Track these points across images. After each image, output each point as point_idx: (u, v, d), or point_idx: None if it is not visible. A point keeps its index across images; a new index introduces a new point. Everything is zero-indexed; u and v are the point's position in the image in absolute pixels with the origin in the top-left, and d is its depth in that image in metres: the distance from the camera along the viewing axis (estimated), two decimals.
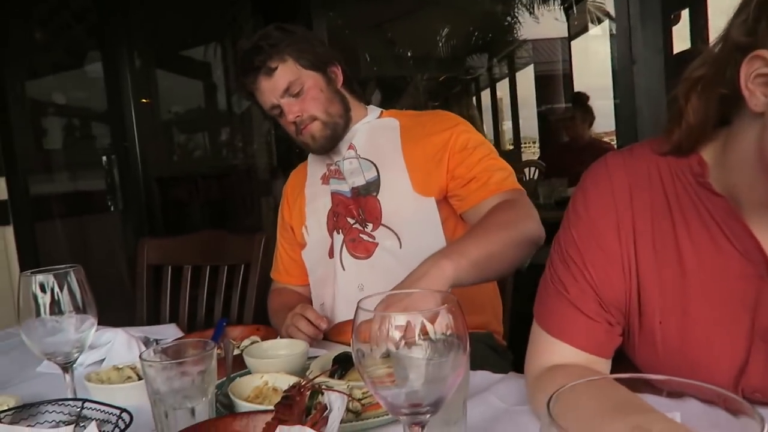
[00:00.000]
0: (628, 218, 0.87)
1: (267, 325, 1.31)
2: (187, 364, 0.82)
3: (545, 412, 0.40)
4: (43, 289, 0.92)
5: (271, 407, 0.86)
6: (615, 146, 4.45)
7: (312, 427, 0.76)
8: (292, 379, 0.98)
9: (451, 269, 1.03)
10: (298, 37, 1.42)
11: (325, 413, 0.79)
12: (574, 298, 0.89)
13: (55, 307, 0.93)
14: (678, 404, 0.84)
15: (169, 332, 1.47)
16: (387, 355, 0.62)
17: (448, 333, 0.59)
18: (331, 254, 1.46)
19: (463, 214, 1.38)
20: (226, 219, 5.17)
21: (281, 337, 1.27)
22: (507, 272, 1.28)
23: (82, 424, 0.90)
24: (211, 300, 1.86)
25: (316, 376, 0.87)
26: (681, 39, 2.27)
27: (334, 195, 1.48)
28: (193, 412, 0.83)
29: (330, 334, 1.39)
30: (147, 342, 1.35)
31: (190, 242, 1.92)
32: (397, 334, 0.59)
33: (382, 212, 1.41)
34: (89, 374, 1.09)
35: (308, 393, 0.83)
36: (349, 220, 1.44)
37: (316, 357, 1.09)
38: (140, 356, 0.83)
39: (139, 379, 1.10)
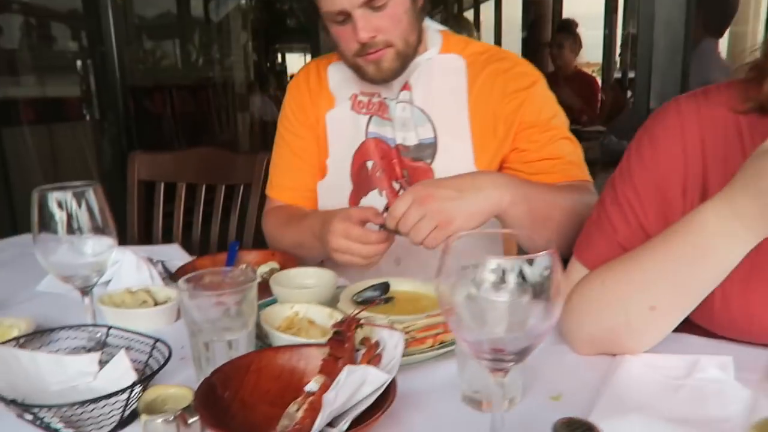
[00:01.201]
0: (698, 174, 0.82)
1: (282, 252, 1.25)
2: (227, 294, 0.77)
3: None
4: (60, 206, 0.84)
5: (316, 340, 0.83)
6: (599, 80, 4.40)
7: (368, 363, 0.73)
8: (325, 310, 0.95)
9: (506, 204, 1.00)
10: None
11: (378, 350, 0.75)
12: (623, 239, 0.86)
13: (73, 227, 0.85)
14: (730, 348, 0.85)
15: (173, 253, 1.41)
16: (473, 296, 0.58)
17: (546, 276, 0.55)
18: (354, 203, 1.31)
19: None
20: (202, 133, 4.99)
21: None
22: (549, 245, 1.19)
23: (104, 352, 0.85)
24: (207, 221, 1.79)
25: (362, 309, 0.83)
26: None
27: (376, 141, 1.27)
28: (232, 344, 0.79)
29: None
30: (153, 263, 1.29)
31: (185, 159, 1.82)
32: (491, 276, 0.55)
33: None
34: (101, 297, 1.03)
35: (356, 328, 0.79)
36: (394, 183, 1.26)
37: (344, 286, 1.04)
38: (178, 284, 0.78)
39: (155, 304, 1.04)
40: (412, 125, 1.23)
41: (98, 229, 0.87)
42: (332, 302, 1.00)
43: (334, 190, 1.33)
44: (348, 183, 1.31)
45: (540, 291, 0.55)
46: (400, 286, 1.06)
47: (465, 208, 0.98)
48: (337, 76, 1.32)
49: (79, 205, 0.85)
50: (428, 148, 1.24)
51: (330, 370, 0.71)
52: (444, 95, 1.22)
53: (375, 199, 1.29)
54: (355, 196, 1.32)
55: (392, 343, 0.74)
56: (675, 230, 0.77)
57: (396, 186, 1.28)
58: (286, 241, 1.30)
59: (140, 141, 3.39)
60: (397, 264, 1.26)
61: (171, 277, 1.22)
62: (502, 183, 1.02)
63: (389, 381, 0.68)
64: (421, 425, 0.72)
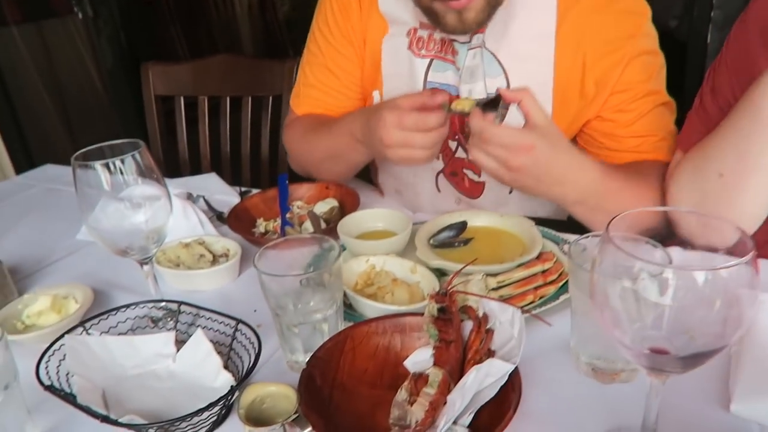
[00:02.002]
0: None
1: (337, 183, 1.15)
2: (313, 273, 0.69)
3: None
4: (105, 171, 0.72)
5: (411, 308, 0.75)
6: None
7: (480, 344, 0.66)
8: (405, 264, 0.87)
9: (569, 202, 0.92)
10: None
11: (489, 325, 0.68)
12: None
13: (122, 195, 0.74)
14: None
15: (211, 185, 1.30)
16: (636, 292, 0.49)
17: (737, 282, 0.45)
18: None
19: None
20: (198, 16, 4.66)
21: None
22: None
23: (177, 329, 0.78)
24: (235, 138, 1.66)
25: (456, 273, 0.74)
26: None
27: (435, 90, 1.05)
28: (322, 322, 0.71)
29: None
30: (193, 199, 1.20)
31: (204, 69, 1.66)
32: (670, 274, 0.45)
33: None
34: (156, 255, 0.94)
35: (457, 299, 0.71)
36: (450, 143, 1.10)
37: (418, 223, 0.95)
38: (254, 265, 0.69)
39: (213, 257, 0.96)
40: (480, 75, 1.02)
41: (150, 193, 0.76)
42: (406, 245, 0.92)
43: None
44: None
45: (728, 299, 0.45)
46: (475, 221, 0.97)
47: (536, 185, 0.88)
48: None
49: (125, 169, 0.73)
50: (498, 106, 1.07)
51: (445, 360, 0.64)
52: (525, 39, 1.00)
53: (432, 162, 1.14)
54: None
55: (506, 317, 0.66)
56: (740, 101, 0.79)
57: (453, 145, 1.11)
58: (317, 154, 1.14)
59: (136, 35, 3.14)
60: (458, 203, 1.17)
61: (219, 217, 1.13)
62: (582, 187, 0.90)
63: (513, 370, 0.61)
64: (541, 405, 0.66)
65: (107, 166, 0.72)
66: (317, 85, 1.18)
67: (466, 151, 1.10)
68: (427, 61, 1.06)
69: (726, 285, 0.45)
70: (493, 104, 0.85)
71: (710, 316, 0.46)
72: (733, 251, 0.46)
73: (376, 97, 1.14)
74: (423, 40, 1.06)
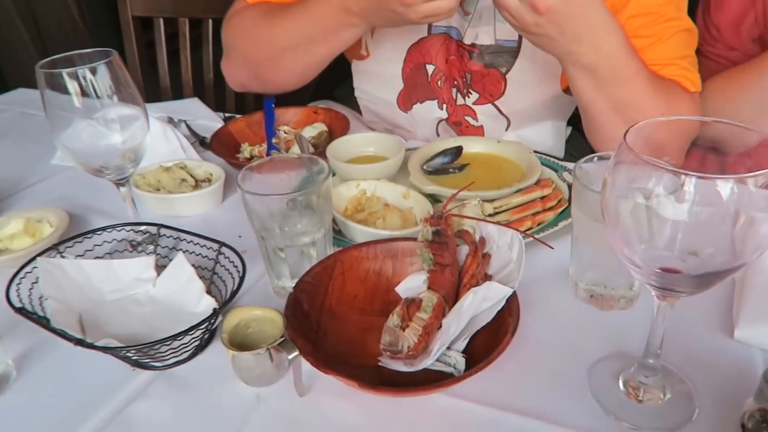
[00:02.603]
0: None
1: (325, 105, 1.09)
2: (300, 193, 0.64)
3: None
4: (75, 85, 0.67)
5: (404, 233, 0.72)
6: None
7: (476, 269, 0.62)
8: (397, 188, 0.83)
9: (583, 64, 0.82)
10: None
11: (486, 249, 0.64)
12: None
13: (94, 111, 0.69)
14: None
15: (194, 109, 1.24)
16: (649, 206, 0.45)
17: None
18: (404, 106, 1.09)
19: None
20: None
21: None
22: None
23: (158, 253, 0.74)
24: (217, 61, 1.57)
25: (453, 196, 0.71)
26: None
27: (442, 39, 1.00)
28: (309, 246, 0.68)
29: None
30: (174, 123, 1.14)
31: None
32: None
33: (505, 93, 1.00)
34: (134, 178, 0.89)
35: (452, 222, 0.67)
36: (453, 90, 1.04)
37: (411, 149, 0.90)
38: (238, 184, 0.64)
39: (196, 182, 0.91)
40: (491, 17, 0.94)
41: (125, 109, 0.71)
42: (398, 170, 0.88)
43: (378, 80, 1.09)
44: (398, 80, 1.06)
45: (753, 208, 0.42)
46: (472, 147, 0.93)
47: (557, 37, 0.78)
48: None
49: (98, 82, 0.68)
50: (506, 56, 0.98)
51: (439, 284, 0.61)
52: None
53: (433, 110, 1.06)
54: (406, 98, 1.08)
55: (504, 241, 0.63)
56: None
57: (454, 92, 1.03)
58: (280, 41, 0.96)
59: None
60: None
61: (202, 143, 1.08)
62: (601, 51, 0.81)
63: (511, 294, 0.58)
64: (538, 331, 0.63)
65: (76, 75, 0.66)
66: None
67: (464, 97, 1.04)
68: None
69: (750, 199, 0.41)
70: None
71: (729, 233, 0.43)
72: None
73: (369, 46, 1.05)
74: None
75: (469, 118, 1.06)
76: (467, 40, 0.98)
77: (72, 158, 0.72)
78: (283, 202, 0.64)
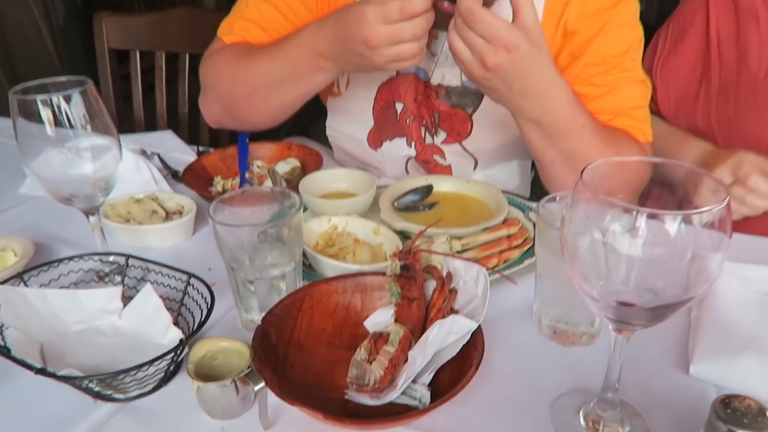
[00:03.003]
0: None
1: (299, 142, 1.11)
2: (271, 225, 0.65)
3: None
4: (48, 112, 0.67)
5: (373, 267, 0.73)
6: None
7: (443, 303, 0.64)
8: (368, 224, 0.84)
9: (528, 123, 0.85)
10: None
11: (452, 284, 0.66)
12: None
13: (66, 138, 0.69)
14: None
15: (167, 141, 1.24)
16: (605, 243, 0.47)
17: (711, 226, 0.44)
18: (374, 144, 1.11)
19: None
20: None
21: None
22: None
23: (125, 284, 0.74)
24: (193, 96, 1.59)
25: (422, 233, 0.72)
26: None
27: (410, 79, 1.03)
28: (279, 279, 0.68)
29: None
30: (147, 156, 1.14)
31: (162, 22, 1.57)
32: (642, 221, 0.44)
33: (471, 133, 1.04)
34: (104, 209, 0.89)
35: (420, 257, 0.69)
36: (421, 128, 1.07)
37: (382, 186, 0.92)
38: (209, 215, 0.65)
39: (167, 214, 0.91)
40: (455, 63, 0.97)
41: (98, 138, 0.71)
42: (369, 207, 0.89)
43: (350, 117, 1.11)
44: (369, 118, 1.09)
45: (700, 247, 0.44)
46: (442, 186, 0.95)
47: (504, 91, 0.81)
48: None
49: (71, 110, 0.68)
50: (472, 95, 1.01)
51: (406, 317, 0.62)
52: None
53: (402, 148, 1.08)
54: (376, 136, 1.10)
55: (470, 276, 0.64)
56: None
57: (422, 131, 1.06)
58: (253, 80, 0.98)
59: None
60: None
61: (175, 176, 1.08)
62: (547, 107, 0.84)
63: (475, 328, 0.59)
64: (503, 365, 0.65)
65: (49, 103, 0.67)
66: (258, 20, 1.03)
67: (432, 136, 1.07)
68: None
69: (696, 236, 0.44)
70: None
71: (679, 268, 0.45)
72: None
73: (340, 85, 1.09)
74: None
75: (437, 157, 1.09)
76: (434, 81, 1.02)
77: (42, 186, 0.72)
78: (254, 234, 0.65)
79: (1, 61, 2.91)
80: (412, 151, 1.09)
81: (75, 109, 0.69)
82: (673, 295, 0.47)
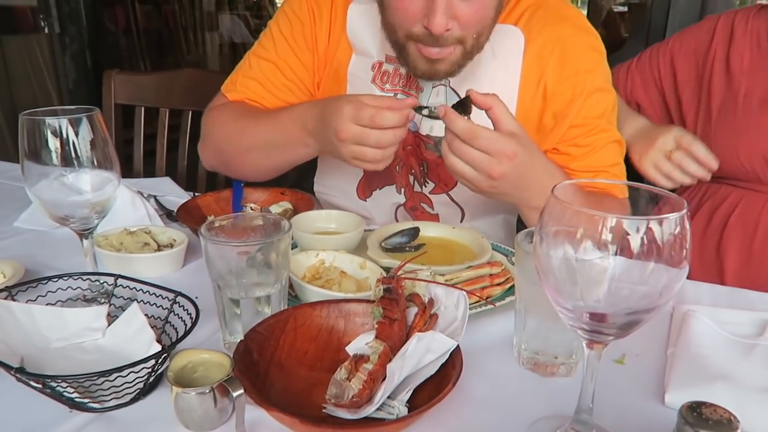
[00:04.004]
0: None
1: (293, 189, 1.14)
2: (259, 245, 0.67)
3: None
4: (55, 135, 0.71)
5: (357, 295, 0.74)
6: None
7: (423, 326, 0.65)
8: (355, 259, 0.86)
9: (532, 206, 0.91)
10: None
11: (434, 309, 0.67)
12: None
13: (70, 160, 0.72)
14: None
15: (164, 187, 1.28)
16: (576, 258, 0.50)
17: (672, 242, 0.46)
18: (363, 195, 1.15)
19: None
20: (168, 53, 4.69)
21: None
22: None
23: (111, 304, 0.75)
24: (193, 151, 1.65)
25: (406, 262, 0.74)
26: None
27: None
28: (263, 300, 0.69)
29: None
30: (144, 197, 1.17)
31: (169, 81, 1.66)
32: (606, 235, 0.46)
33: (457, 185, 1.07)
34: (96, 238, 0.91)
35: (404, 283, 0.70)
36: (410, 177, 1.11)
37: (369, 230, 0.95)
38: (200, 233, 0.67)
39: (159, 246, 0.93)
40: None
41: (99, 163, 0.75)
42: (357, 248, 0.92)
43: (340, 170, 1.13)
44: (359, 170, 1.12)
45: (663, 255, 0.47)
46: (429, 231, 0.98)
47: (512, 192, 0.88)
48: (360, 25, 1.05)
49: (77, 134, 0.72)
50: None
51: (387, 335, 0.63)
52: (489, 82, 1.00)
53: (392, 195, 1.13)
54: (366, 186, 1.15)
55: (451, 302, 0.66)
56: None
57: (411, 179, 1.11)
58: (248, 140, 1.04)
59: (102, 59, 3.13)
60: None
61: (169, 215, 1.11)
62: (547, 193, 0.89)
63: (454, 347, 0.60)
64: (482, 391, 0.65)
65: (57, 125, 0.70)
66: (261, 79, 1.10)
67: (421, 186, 1.11)
68: (391, 95, 1.05)
69: (655, 248, 0.46)
70: (462, 108, 0.83)
71: (642, 279, 0.48)
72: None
73: None
74: (388, 74, 1.05)
75: (425, 206, 1.12)
76: (423, 131, 1.07)
77: (41, 205, 0.74)
78: (242, 259, 0.67)
79: (5, 116, 3.00)
80: (402, 198, 1.13)
81: (81, 133, 0.72)
82: (640, 307, 0.49)
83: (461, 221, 1.12)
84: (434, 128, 1.05)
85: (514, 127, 0.83)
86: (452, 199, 1.10)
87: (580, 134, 1.01)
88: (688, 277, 0.86)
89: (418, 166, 1.10)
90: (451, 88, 1.04)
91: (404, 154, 1.10)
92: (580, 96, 1.00)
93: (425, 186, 1.11)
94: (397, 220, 1.15)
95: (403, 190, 1.12)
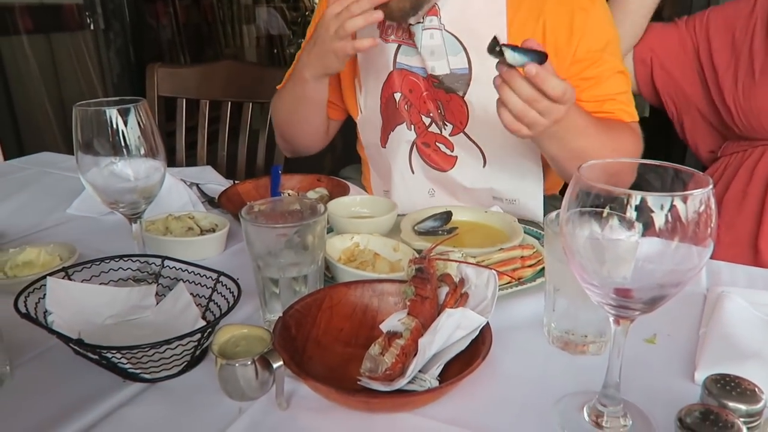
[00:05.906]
0: None
1: (328, 175, 1.17)
2: (296, 227, 0.70)
3: None
4: (105, 125, 0.75)
5: (395, 276, 0.77)
6: None
7: (455, 304, 0.67)
8: (388, 242, 0.88)
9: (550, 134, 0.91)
10: None
11: (464, 288, 0.69)
12: None
13: (119, 148, 0.77)
14: None
15: (206, 175, 1.33)
16: (600, 235, 0.51)
17: (696, 219, 0.47)
18: (383, 142, 1.20)
19: None
20: (206, 46, 4.78)
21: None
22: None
23: (159, 284, 0.79)
24: (233, 141, 1.70)
25: (438, 244, 0.76)
26: None
27: (404, 73, 1.12)
28: (300, 280, 0.73)
29: None
30: (188, 185, 1.21)
31: (209, 73, 1.71)
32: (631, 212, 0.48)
33: (469, 118, 1.11)
34: (144, 223, 0.95)
35: (435, 264, 0.73)
36: (424, 118, 1.15)
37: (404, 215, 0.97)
38: (240, 215, 0.70)
39: (201, 231, 0.98)
40: (443, 53, 1.07)
41: (147, 151, 0.79)
42: (390, 232, 0.94)
43: (369, 126, 1.21)
44: (378, 118, 1.18)
45: (687, 232, 0.48)
46: (461, 215, 1.00)
47: (563, 132, 0.91)
48: None
49: (126, 124, 0.76)
50: (461, 80, 1.08)
51: (418, 312, 0.65)
52: (479, 14, 1.06)
53: (403, 133, 1.17)
54: (384, 132, 1.19)
55: (481, 281, 0.68)
56: None
57: (426, 120, 1.15)
58: (285, 108, 1.21)
59: (144, 54, 3.22)
60: (431, 195, 1.19)
61: (211, 202, 1.15)
62: (568, 124, 0.91)
63: (484, 324, 0.62)
64: (512, 367, 0.67)
65: (106, 115, 0.75)
66: None
67: (439, 127, 1.14)
68: (395, 45, 1.12)
69: (681, 225, 0.47)
70: (495, 53, 0.80)
71: (668, 255, 0.49)
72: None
73: (360, 103, 1.19)
74: (392, 27, 1.12)
75: (441, 146, 1.15)
76: (428, 71, 1.10)
77: (93, 191, 0.79)
78: (280, 239, 0.70)
79: (55, 114, 3.13)
80: (413, 134, 1.16)
81: (130, 122, 0.77)
82: (665, 282, 0.50)
83: (483, 166, 1.14)
84: (436, 69, 1.09)
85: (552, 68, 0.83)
86: (470, 138, 1.12)
87: (586, 67, 1.05)
88: (721, 254, 0.86)
89: (436, 109, 1.13)
90: (446, 30, 1.07)
91: (412, 95, 1.13)
92: (579, 30, 1.04)
93: (444, 128, 1.14)
94: (412, 170, 1.17)
95: (413, 126, 1.15)
